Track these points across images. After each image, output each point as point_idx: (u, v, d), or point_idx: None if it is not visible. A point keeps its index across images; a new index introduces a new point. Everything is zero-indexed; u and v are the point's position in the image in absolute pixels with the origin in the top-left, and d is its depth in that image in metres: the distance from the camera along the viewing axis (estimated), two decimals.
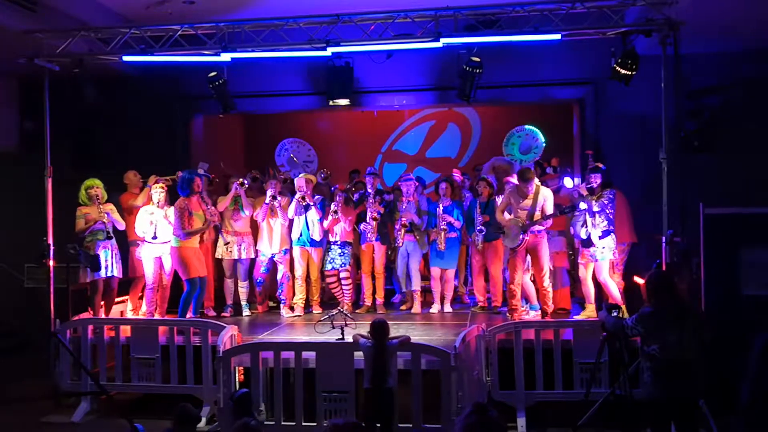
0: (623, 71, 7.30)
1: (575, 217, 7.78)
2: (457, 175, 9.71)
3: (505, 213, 8.01)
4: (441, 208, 8.68)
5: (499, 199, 8.29)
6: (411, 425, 5.95)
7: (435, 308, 8.85)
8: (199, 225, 8.10)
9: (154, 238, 8.24)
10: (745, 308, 6.66)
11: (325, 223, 8.64)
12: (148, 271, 8.32)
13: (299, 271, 8.82)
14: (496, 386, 6.57)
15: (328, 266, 8.76)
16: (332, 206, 8.52)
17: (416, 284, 8.92)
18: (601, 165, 7.97)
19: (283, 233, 8.84)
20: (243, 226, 8.88)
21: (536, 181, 7.95)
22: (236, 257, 8.83)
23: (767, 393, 4.15)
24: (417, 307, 8.88)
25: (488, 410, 2.81)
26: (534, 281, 8.22)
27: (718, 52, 8.74)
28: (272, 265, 8.99)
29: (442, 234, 8.61)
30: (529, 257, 8.03)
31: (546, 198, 7.80)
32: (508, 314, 8.12)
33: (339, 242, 8.70)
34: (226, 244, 8.81)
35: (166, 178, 8.59)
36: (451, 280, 8.92)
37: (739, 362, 6.28)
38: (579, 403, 5.95)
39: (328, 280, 8.85)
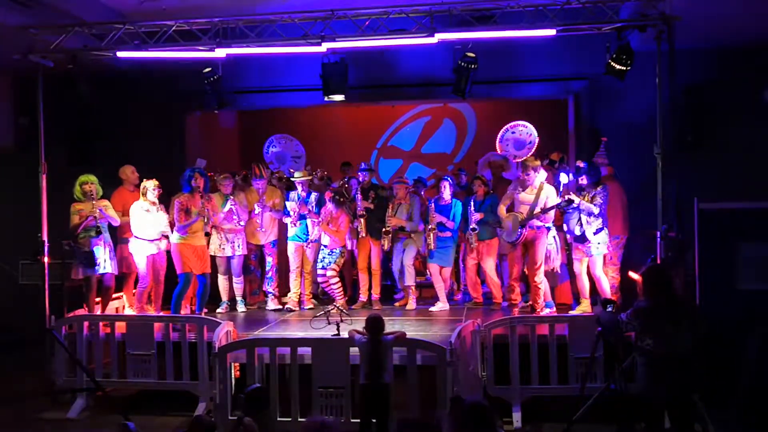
0: (618, 66, 7.31)
1: (568, 213, 7.77)
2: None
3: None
4: (433, 206, 8.67)
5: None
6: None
7: (438, 306, 8.71)
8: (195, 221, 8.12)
9: (152, 240, 8.24)
10: (739, 303, 6.68)
11: (322, 235, 8.73)
12: (141, 267, 8.30)
13: (294, 266, 8.84)
14: (492, 381, 6.58)
15: (319, 265, 8.76)
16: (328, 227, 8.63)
17: (410, 280, 8.89)
18: (581, 163, 7.95)
19: (273, 223, 8.94)
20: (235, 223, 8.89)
21: (542, 177, 7.93)
22: (229, 254, 8.82)
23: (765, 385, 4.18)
24: (412, 303, 8.88)
25: (463, 399, 2.90)
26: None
27: (713, 48, 8.74)
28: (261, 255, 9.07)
29: (432, 234, 8.59)
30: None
31: (549, 196, 7.80)
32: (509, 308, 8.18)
33: (329, 247, 8.75)
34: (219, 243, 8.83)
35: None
36: (446, 278, 8.88)
37: (734, 356, 6.30)
38: (574, 397, 5.96)
39: (320, 279, 8.85)
